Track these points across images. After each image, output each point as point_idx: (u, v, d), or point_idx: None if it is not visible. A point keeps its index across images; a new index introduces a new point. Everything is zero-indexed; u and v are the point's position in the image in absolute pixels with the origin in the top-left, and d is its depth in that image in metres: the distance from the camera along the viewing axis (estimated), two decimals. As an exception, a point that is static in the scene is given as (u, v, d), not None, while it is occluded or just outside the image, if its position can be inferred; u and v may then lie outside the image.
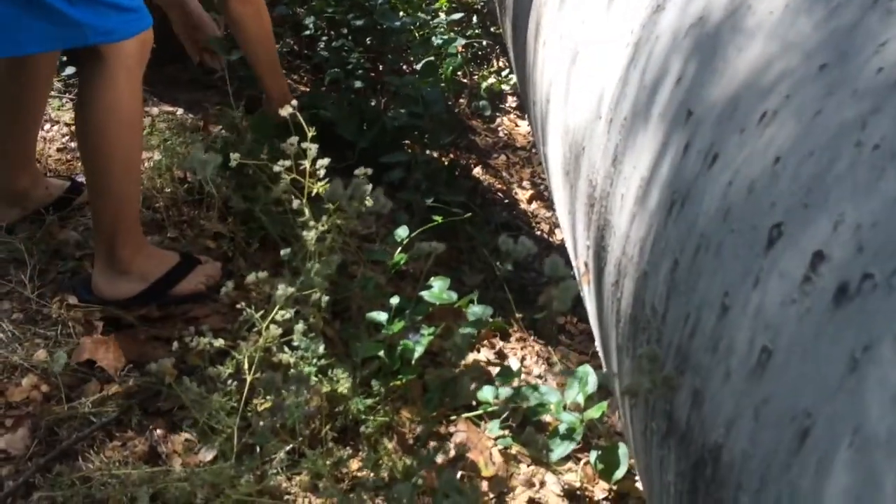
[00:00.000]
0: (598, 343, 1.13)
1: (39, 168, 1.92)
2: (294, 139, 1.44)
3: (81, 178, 1.89)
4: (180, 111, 2.38)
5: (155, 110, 2.35)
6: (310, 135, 1.47)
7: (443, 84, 2.41)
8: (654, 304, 0.72)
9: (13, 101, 1.74)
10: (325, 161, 1.40)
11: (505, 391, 1.49)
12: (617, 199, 0.88)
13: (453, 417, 1.54)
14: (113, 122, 1.51)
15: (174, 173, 2.02)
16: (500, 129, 2.83)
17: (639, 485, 1.48)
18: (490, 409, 1.51)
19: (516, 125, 2.88)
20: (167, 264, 1.70)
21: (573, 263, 1.47)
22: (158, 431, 1.40)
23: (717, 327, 0.58)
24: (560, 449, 1.42)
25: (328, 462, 1.33)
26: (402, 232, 1.66)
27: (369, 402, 1.43)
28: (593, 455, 1.46)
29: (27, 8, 1.38)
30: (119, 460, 1.32)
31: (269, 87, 2.01)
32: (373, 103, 2.37)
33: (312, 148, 1.42)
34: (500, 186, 2.47)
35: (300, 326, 1.31)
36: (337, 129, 2.08)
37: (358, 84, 2.31)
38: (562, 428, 1.44)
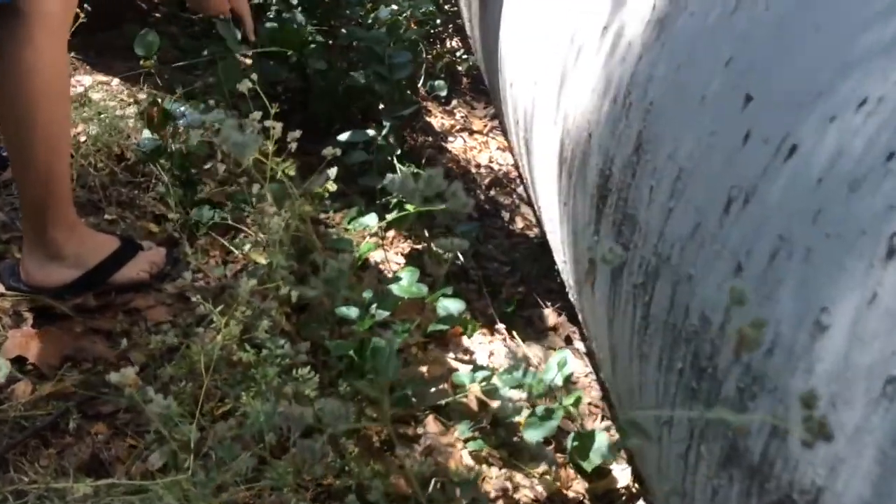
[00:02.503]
0: (598, 344, 1.05)
1: None
2: (257, 115, 1.31)
3: (6, 152, 1.70)
4: (116, 81, 2.20)
5: (88, 80, 2.16)
6: (272, 112, 1.35)
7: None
8: (706, 312, 0.64)
9: None
10: (297, 134, 1.27)
11: (480, 374, 1.40)
12: (643, 191, 0.80)
13: (422, 419, 1.45)
14: (33, 87, 1.35)
15: (112, 149, 1.85)
16: (455, 111, 2.73)
17: (618, 482, 1.42)
18: (458, 403, 1.42)
19: (472, 108, 2.78)
20: (106, 249, 1.54)
21: (556, 258, 1.39)
22: (100, 437, 1.26)
23: (812, 347, 0.50)
24: (538, 431, 1.34)
25: (290, 470, 1.22)
26: (369, 220, 1.55)
27: (340, 405, 1.32)
28: (569, 439, 1.39)
29: None
30: (57, 470, 1.18)
31: None
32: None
33: (277, 126, 1.30)
34: (457, 171, 2.37)
35: (265, 323, 1.19)
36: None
37: (313, 59, 2.16)
38: (539, 410, 1.36)
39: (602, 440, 1.35)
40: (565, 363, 1.24)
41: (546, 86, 1.22)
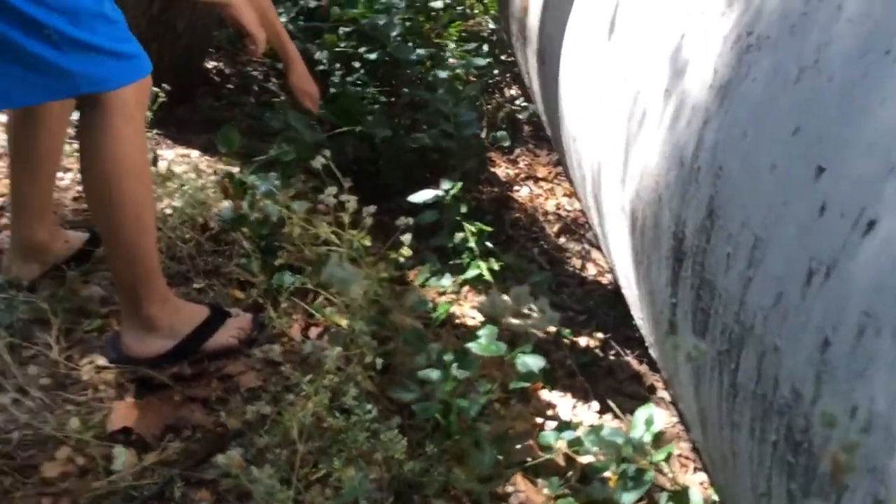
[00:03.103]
0: (685, 405, 1.06)
1: (56, 219, 1.84)
2: (332, 190, 1.38)
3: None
4: (195, 153, 2.32)
5: (170, 154, 2.29)
6: (347, 185, 1.41)
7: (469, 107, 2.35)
8: (795, 385, 0.65)
9: (28, 151, 1.67)
10: (372, 209, 1.33)
11: (567, 434, 1.41)
12: (720, 258, 0.82)
13: (509, 475, 1.46)
14: (118, 173, 1.43)
15: (196, 220, 1.94)
16: (519, 160, 2.77)
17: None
18: (546, 460, 1.43)
19: (535, 155, 2.82)
20: (197, 318, 1.62)
21: (633, 313, 1.40)
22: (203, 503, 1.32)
23: (908, 427, 0.51)
24: (631, 494, 1.33)
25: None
26: (445, 281, 1.59)
27: (423, 464, 1.35)
28: (663, 499, 1.38)
29: (14, 59, 1.30)
30: (164, 539, 1.24)
31: (283, 38, 1.99)
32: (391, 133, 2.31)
33: (352, 200, 1.36)
34: (525, 221, 2.41)
35: (353, 391, 1.24)
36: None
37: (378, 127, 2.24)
38: (630, 470, 1.35)
39: (697, 497, 1.33)
40: (652, 421, 1.25)
41: (611, 146, 1.25)
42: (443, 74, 2.48)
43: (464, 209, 1.96)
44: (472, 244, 1.84)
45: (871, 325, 0.57)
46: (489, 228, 1.96)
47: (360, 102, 2.30)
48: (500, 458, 1.42)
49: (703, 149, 0.90)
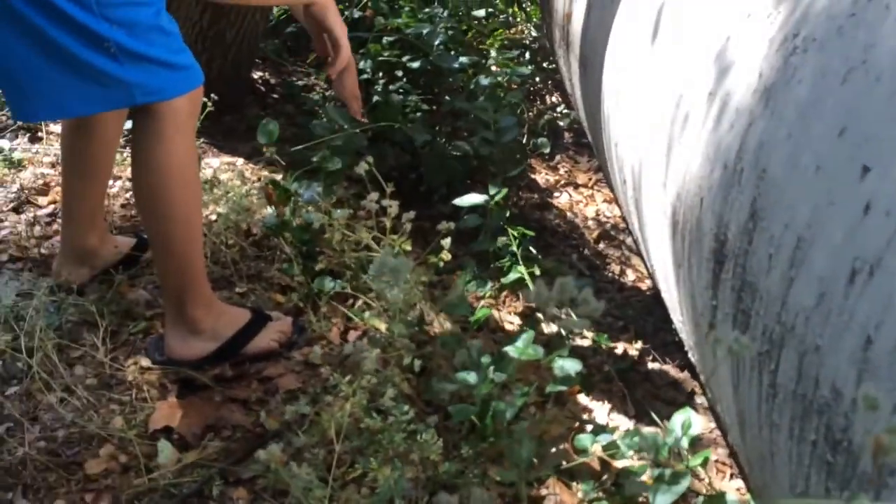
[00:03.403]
0: (723, 407, 1.04)
1: (106, 225, 1.89)
2: (374, 195, 1.39)
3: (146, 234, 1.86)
4: (240, 161, 2.36)
5: (216, 162, 2.33)
6: (388, 191, 1.42)
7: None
8: (836, 384, 0.64)
9: (82, 159, 1.72)
10: (411, 215, 1.34)
11: (603, 437, 1.40)
12: (762, 259, 0.80)
13: (544, 479, 1.46)
14: (169, 182, 1.46)
15: (240, 227, 1.98)
16: (559, 166, 2.76)
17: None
18: (581, 463, 1.42)
19: (576, 162, 2.81)
20: (239, 322, 1.65)
21: (673, 316, 1.38)
22: (241, 502, 1.34)
23: (953, 426, 0.50)
24: (666, 496, 1.31)
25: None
26: (484, 287, 1.59)
27: (459, 465, 1.35)
28: (699, 502, 1.36)
29: (72, 69, 1.33)
30: (204, 536, 1.26)
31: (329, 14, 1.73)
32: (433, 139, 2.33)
33: (394, 205, 1.37)
34: (565, 227, 2.40)
35: (390, 392, 1.25)
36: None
37: (418, 133, 2.26)
38: (666, 473, 1.33)
39: (733, 500, 1.31)
40: (690, 425, 1.23)
41: (653, 149, 1.24)
42: (484, 82, 2.49)
43: (507, 214, 1.96)
44: (514, 248, 1.84)
45: (916, 323, 0.55)
46: (531, 233, 1.95)
47: (402, 109, 2.32)
48: (535, 460, 1.41)
49: (746, 151, 0.89)
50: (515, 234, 1.89)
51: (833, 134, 0.72)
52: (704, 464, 1.38)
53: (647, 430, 1.60)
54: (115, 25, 1.32)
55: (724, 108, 0.97)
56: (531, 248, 1.96)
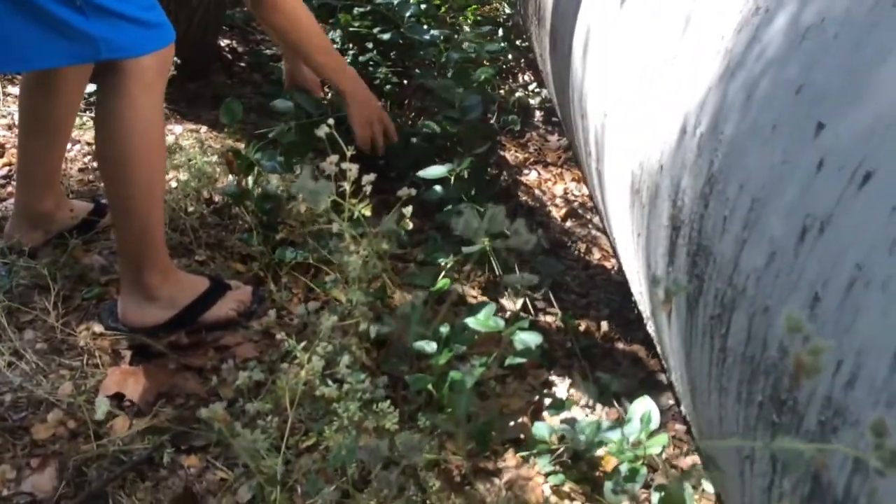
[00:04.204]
0: (677, 376, 1.04)
1: (62, 189, 1.84)
2: (334, 158, 1.36)
3: (105, 200, 1.81)
4: (204, 129, 2.32)
5: (178, 128, 2.28)
6: (349, 154, 1.40)
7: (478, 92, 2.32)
8: (784, 343, 0.63)
9: (40, 120, 1.67)
10: (371, 177, 1.32)
11: (560, 427, 1.40)
12: (716, 222, 0.79)
13: (502, 452, 1.45)
14: (133, 142, 1.42)
15: (201, 194, 1.94)
16: (529, 144, 2.75)
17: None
18: (544, 450, 1.42)
19: (546, 140, 2.80)
20: (196, 290, 1.62)
21: (633, 289, 1.38)
22: (192, 470, 1.31)
23: (893, 380, 0.49)
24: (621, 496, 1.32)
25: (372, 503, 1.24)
26: (444, 256, 1.57)
27: (416, 437, 1.34)
28: (655, 497, 1.36)
29: (36, 21, 1.28)
30: (152, 502, 1.23)
31: (331, 76, 1.93)
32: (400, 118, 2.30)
33: (353, 168, 1.34)
34: (533, 204, 2.38)
35: (346, 359, 1.23)
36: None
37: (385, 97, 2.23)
38: (623, 468, 1.34)
39: (690, 493, 1.31)
40: (649, 419, 1.23)
41: (616, 117, 1.22)
42: (454, 56, 2.46)
43: (472, 189, 1.94)
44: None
45: (861, 277, 0.54)
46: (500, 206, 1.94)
47: (370, 77, 2.28)
48: (493, 434, 1.40)
49: (705, 114, 0.88)
50: (480, 209, 1.87)
51: (790, 92, 0.70)
52: (662, 452, 1.39)
53: (606, 410, 1.61)
54: None
55: (685, 72, 0.95)
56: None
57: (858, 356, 0.53)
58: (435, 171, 1.89)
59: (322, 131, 1.40)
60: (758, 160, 0.73)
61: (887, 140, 0.56)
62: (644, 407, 1.37)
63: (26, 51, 1.33)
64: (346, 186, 1.41)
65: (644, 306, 1.20)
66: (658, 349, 1.18)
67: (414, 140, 2.13)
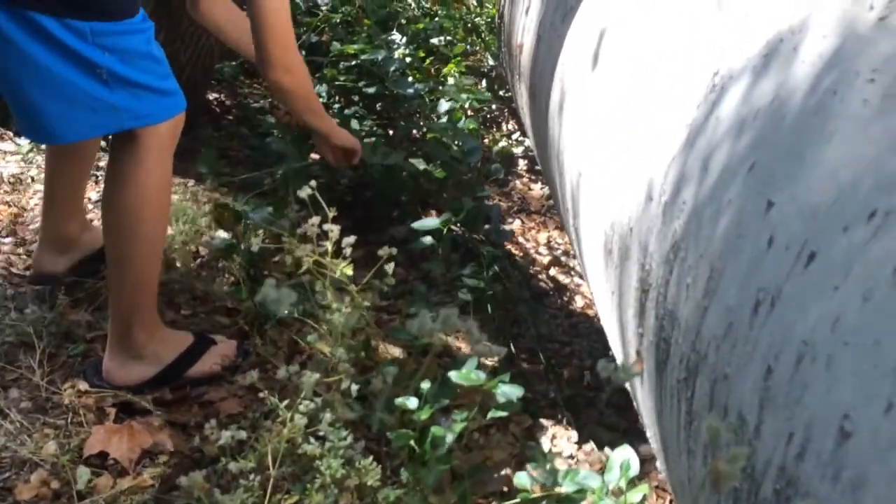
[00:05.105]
0: (651, 434, 1.06)
1: (86, 215, 1.90)
2: (316, 220, 1.39)
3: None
4: (191, 182, 2.35)
5: (166, 182, 2.31)
6: (330, 215, 1.42)
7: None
8: (743, 412, 0.65)
9: (69, 151, 1.73)
10: (351, 240, 1.35)
11: (541, 476, 1.41)
12: (681, 288, 0.82)
13: (484, 503, 1.46)
14: (144, 203, 1.48)
15: (188, 248, 1.96)
16: (513, 192, 2.79)
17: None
18: (526, 499, 1.43)
19: (529, 189, 2.84)
20: (181, 346, 1.63)
21: (610, 343, 1.40)
22: (175, 530, 1.32)
23: (837, 454, 0.52)
24: (603, 539, 1.33)
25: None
26: (429, 309, 1.60)
27: (399, 492, 1.35)
28: (635, 545, 1.37)
29: (62, 95, 1.36)
30: (134, 564, 1.23)
31: (327, 135, 1.95)
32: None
33: (334, 230, 1.37)
34: (517, 252, 2.42)
35: (328, 416, 1.24)
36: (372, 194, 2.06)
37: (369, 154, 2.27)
38: (604, 513, 1.35)
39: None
40: (629, 466, 1.25)
41: (590, 177, 1.26)
42: (445, 106, 2.52)
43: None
44: (465, 272, 1.86)
45: (808, 353, 0.57)
46: (498, 253, 1.97)
47: (356, 132, 2.33)
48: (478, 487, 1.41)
49: (669, 183, 0.91)
50: (485, 252, 1.91)
51: (744, 169, 0.74)
52: (642, 501, 1.40)
53: (590, 459, 1.62)
54: (108, 52, 1.36)
55: (650, 140, 0.99)
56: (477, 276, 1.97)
57: (807, 429, 0.55)
58: (429, 223, 1.93)
59: (304, 192, 1.43)
60: (715, 231, 0.76)
61: (827, 221, 0.59)
62: (624, 455, 1.39)
63: (56, 124, 1.41)
64: (328, 246, 1.44)
65: (621, 364, 1.22)
66: (634, 404, 1.20)
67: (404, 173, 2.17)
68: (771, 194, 0.68)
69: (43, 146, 2.52)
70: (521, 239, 2.51)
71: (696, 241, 0.80)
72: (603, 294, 1.25)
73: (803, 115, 0.68)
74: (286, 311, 0.57)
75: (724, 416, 0.69)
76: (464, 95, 2.54)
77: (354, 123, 2.35)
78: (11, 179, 2.23)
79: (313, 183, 1.41)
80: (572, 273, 2.34)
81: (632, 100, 1.10)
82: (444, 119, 2.51)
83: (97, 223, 1.87)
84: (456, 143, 2.22)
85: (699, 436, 0.76)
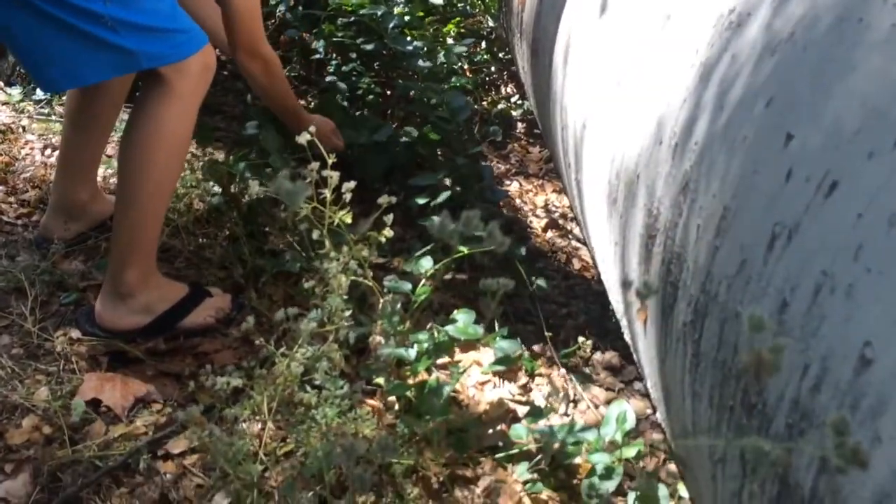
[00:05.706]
0: (652, 384, 1.05)
1: (97, 183, 1.89)
2: (315, 165, 1.36)
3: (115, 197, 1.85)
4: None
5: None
6: (329, 161, 1.40)
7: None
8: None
9: (85, 114, 1.73)
10: (351, 185, 1.33)
11: (537, 429, 1.40)
12: (690, 230, 0.81)
13: (480, 459, 1.45)
14: (157, 145, 1.48)
15: (185, 201, 1.94)
16: (511, 155, 2.77)
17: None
18: (518, 451, 1.42)
19: (528, 151, 2.82)
20: (175, 296, 1.61)
21: (611, 297, 1.39)
22: (169, 476, 1.31)
23: (857, 383, 0.50)
24: (600, 487, 1.32)
25: (351, 510, 1.24)
26: (425, 263, 1.58)
27: (390, 438, 1.34)
28: (630, 497, 1.37)
29: (79, 39, 1.36)
30: (128, 509, 1.22)
31: (293, 120, 1.98)
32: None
33: (334, 176, 1.35)
34: (513, 214, 2.40)
35: (324, 365, 1.23)
36: (354, 155, 2.02)
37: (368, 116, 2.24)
38: (599, 468, 1.35)
39: (665, 494, 1.32)
40: (625, 418, 1.24)
41: (594, 126, 1.24)
42: (424, 64, 2.47)
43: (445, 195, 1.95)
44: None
45: (827, 284, 0.56)
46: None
47: (344, 108, 2.28)
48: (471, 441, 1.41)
49: (680, 125, 0.89)
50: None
51: (762, 104, 0.72)
52: (638, 457, 1.40)
53: (586, 416, 1.62)
54: (109, 2, 1.36)
55: (661, 83, 0.97)
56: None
57: (824, 360, 0.54)
58: (427, 179, 1.91)
59: (304, 139, 1.41)
60: (730, 170, 0.74)
61: (851, 150, 0.58)
62: (619, 409, 1.38)
63: (80, 68, 1.41)
64: (327, 194, 1.42)
65: (621, 315, 1.21)
66: (634, 357, 1.20)
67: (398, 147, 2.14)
68: (790, 127, 0.66)
69: (34, 96, 2.48)
70: (518, 201, 2.49)
71: (708, 181, 0.78)
72: (605, 247, 1.23)
73: (826, 45, 0.66)
74: (302, 205, 0.54)
75: (733, 354, 0.68)
76: (458, 49, 2.49)
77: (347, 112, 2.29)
78: (2, 128, 2.19)
79: (312, 129, 1.39)
80: (570, 236, 2.33)
81: (642, 43, 1.07)
82: (430, 77, 2.46)
83: (110, 197, 1.86)
84: (443, 101, 2.17)
85: (705, 377, 0.74)
